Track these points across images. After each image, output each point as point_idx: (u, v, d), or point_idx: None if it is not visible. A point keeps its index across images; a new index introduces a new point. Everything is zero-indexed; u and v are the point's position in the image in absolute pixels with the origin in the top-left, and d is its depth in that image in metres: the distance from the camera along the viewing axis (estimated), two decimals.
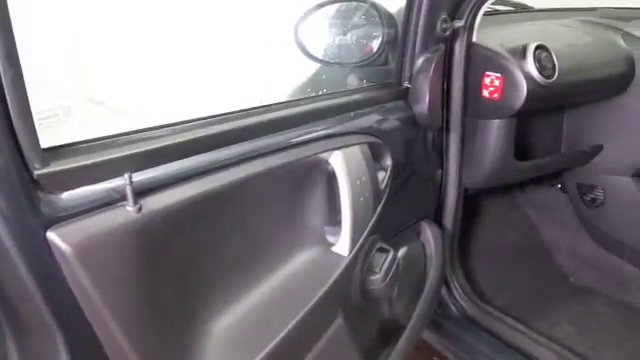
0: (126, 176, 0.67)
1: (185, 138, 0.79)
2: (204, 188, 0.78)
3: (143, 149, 0.73)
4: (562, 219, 2.00)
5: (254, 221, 0.91)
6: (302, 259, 0.99)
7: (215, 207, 0.81)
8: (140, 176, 0.71)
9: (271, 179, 0.91)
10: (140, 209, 0.68)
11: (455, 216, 1.51)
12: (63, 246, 0.62)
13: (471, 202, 1.77)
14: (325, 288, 0.96)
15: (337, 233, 1.02)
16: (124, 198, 0.68)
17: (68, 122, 1.20)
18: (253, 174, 0.86)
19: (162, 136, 0.77)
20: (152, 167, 0.74)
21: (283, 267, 0.96)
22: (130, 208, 0.68)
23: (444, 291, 1.57)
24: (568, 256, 1.96)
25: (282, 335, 0.88)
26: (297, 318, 0.91)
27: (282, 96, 1.19)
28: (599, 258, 1.90)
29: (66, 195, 0.66)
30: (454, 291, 1.58)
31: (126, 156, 0.70)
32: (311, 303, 0.93)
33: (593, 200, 1.84)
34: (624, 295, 1.79)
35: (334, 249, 1.02)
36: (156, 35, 1.42)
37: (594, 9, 1.95)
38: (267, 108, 0.96)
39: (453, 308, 1.58)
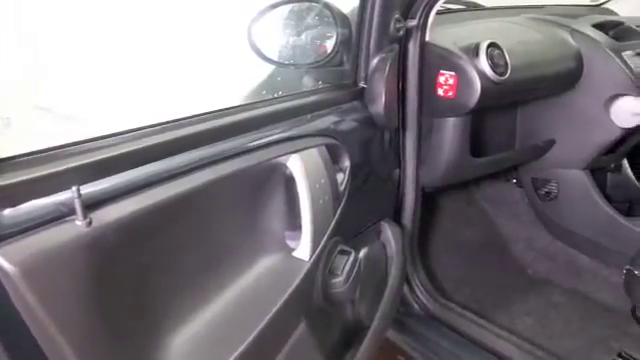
0: (74, 189, 0.64)
1: (136, 146, 0.76)
2: (158, 198, 0.75)
3: (92, 160, 0.70)
4: (518, 213, 2.04)
5: (212, 229, 0.89)
6: (263, 266, 0.97)
7: (171, 217, 0.79)
8: (89, 188, 0.68)
9: (228, 186, 0.88)
10: (90, 223, 0.66)
11: (414, 214, 1.52)
12: (7, 266, 0.59)
13: (430, 200, 1.79)
14: (287, 294, 0.94)
15: (297, 237, 1.00)
16: (73, 212, 0.65)
17: (7, 134, 1.15)
18: (209, 181, 0.84)
19: (112, 145, 0.75)
20: (102, 178, 0.71)
21: (243, 275, 0.94)
22: (79, 222, 0.65)
23: (406, 289, 1.58)
24: (525, 249, 2.00)
25: (245, 345, 0.86)
26: (260, 326, 0.89)
27: (237, 100, 1.17)
28: (554, 250, 1.95)
29: (9, 212, 0.62)
30: (416, 289, 1.59)
31: (74, 168, 0.67)
32: (273, 310, 0.92)
33: (547, 194, 1.88)
34: (579, 285, 1.84)
35: (295, 254, 1.01)
36: (105, 38, 1.38)
37: (542, 7, 1.99)
38: (221, 113, 0.94)
39: (415, 306, 1.59)
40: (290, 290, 0.95)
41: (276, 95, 1.12)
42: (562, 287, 1.85)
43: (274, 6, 1.21)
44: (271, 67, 1.29)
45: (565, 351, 1.54)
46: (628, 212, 1.87)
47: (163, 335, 0.81)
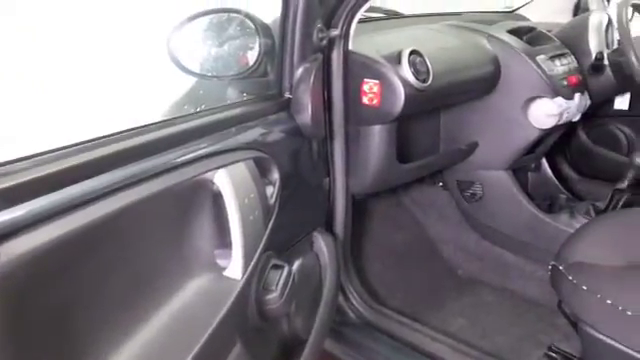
0: None
1: (48, 170, 0.70)
2: (75, 224, 0.70)
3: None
4: (446, 215, 2.08)
5: (137, 254, 0.84)
6: (193, 288, 0.93)
7: (91, 244, 0.74)
8: None
9: (152, 206, 0.84)
10: None
11: (345, 223, 1.52)
12: None
13: (360, 207, 1.79)
14: (220, 316, 0.91)
15: (228, 256, 0.97)
16: None
17: None
18: (131, 202, 0.79)
19: (20, 170, 0.69)
20: (11, 207, 0.65)
21: (173, 300, 0.90)
22: None
23: (341, 298, 1.57)
24: (454, 250, 2.05)
25: None
26: (193, 352, 0.85)
27: (157, 115, 1.12)
28: (482, 249, 2.00)
29: None
30: (350, 297, 1.59)
31: None
32: (207, 333, 0.88)
33: (473, 195, 1.93)
34: (507, 283, 1.90)
35: (226, 273, 0.97)
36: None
37: (460, 14, 2.05)
38: (142, 129, 0.89)
39: (351, 314, 1.59)
40: (223, 311, 0.92)
41: (199, 109, 1.08)
42: (491, 285, 1.90)
43: (192, 18, 1.17)
44: (193, 80, 1.25)
45: (498, 348, 1.58)
46: (549, 209, 1.95)
47: None
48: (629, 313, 1.08)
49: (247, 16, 1.20)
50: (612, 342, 1.09)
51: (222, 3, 1.29)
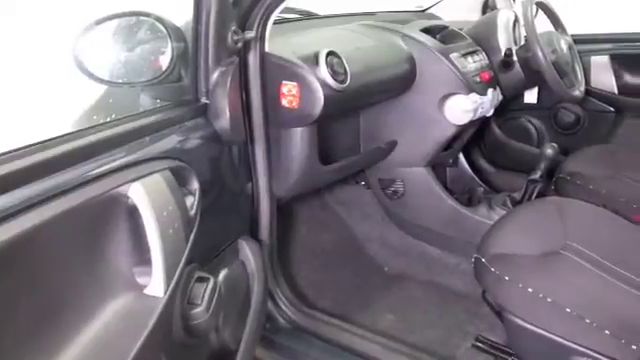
0: None
1: None
2: None
3: None
4: (370, 213, 2.10)
5: (46, 278, 0.78)
6: (112, 310, 0.87)
7: None
8: None
9: (61, 226, 0.78)
10: None
11: (271, 227, 1.49)
12: None
13: (285, 210, 1.78)
14: (143, 337, 0.86)
15: (148, 273, 0.92)
16: None
17: None
18: (38, 224, 0.73)
19: None
20: None
21: (91, 324, 0.84)
22: None
23: (270, 305, 1.55)
24: (380, 247, 2.07)
25: None
26: None
27: (63, 128, 1.04)
28: (407, 245, 2.03)
29: None
30: (279, 302, 1.57)
31: None
32: (130, 357, 0.83)
33: (394, 192, 1.96)
34: (432, 276, 1.94)
35: (147, 291, 0.92)
36: None
37: (374, 13, 2.07)
38: (45, 144, 0.83)
39: (281, 320, 1.57)
40: (146, 332, 0.87)
41: (109, 119, 1.02)
42: (417, 280, 1.93)
43: (99, 22, 1.11)
44: (102, 88, 1.18)
45: (427, 342, 1.60)
46: (468, 202, 2.02)
47: None
48: (549, 300, 1.12)
49: (157, 19, 1.15)
50: (535, 329, 1.13)
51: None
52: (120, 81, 1.16)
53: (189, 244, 1.02)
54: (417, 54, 1.70)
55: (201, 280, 1.06)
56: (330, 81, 1.36)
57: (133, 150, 0.96)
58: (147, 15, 1.16)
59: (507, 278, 1.19)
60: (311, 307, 1.62)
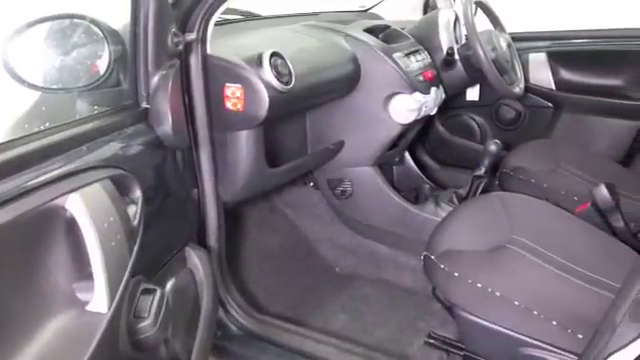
0: None
1: None
2: None
3: None
4: (319, 214, 2.10)
5: None
6: (53, 329, 0.82)
7: None
8: None
9: None
10: None
11: (219, 233, 1.47)
12: None
13: (233, 215, 1.75)
14: (87, 356, 0.81)
15: (90, 288, 0.88)
16: None
17: None
18: None
19: None
20: None
21: (29, 345, 0.79)
22: None
23: (221, 312, 1.52)
24: (330, 248, 2.07)
25: None
26: None
27: None
28: (356, 244, 2.04)
29: None
30: (230, 309, 1.54)
31: None
32: None
33: (343, 192, 1.96)
34: (383, 274, 1.95)
35: (89, 307, 0.88)
36: None
37: (317, 14, 2.07)
38: None
39: (232, 327, 1.54)
40: (90, 350, 0.82)
41: (43, 127, 0.97)
42: (368, 279, 1.94)
43: (31, 24, 1.05)
44: (35, 94, 1.12)
45: (380, 341, 1.61)
46: (416, 200, 2.04)
47: None
48: (498, 294, 1.14)
49: (93, 22, 1.10)
50: (486, 323, 1.15)
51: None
52: (54, 87, 1.11)
53: (133, 255, 0.98)
54: (361, 54, 1.70)
55: (147, 292, 1.02)
56: (275, 82, 1.34)
57: (70, 159, 0.92)
58: (82, 17, 1.11)
59: (456, 274, 1.20)
60: (263, 312, 1.60)
